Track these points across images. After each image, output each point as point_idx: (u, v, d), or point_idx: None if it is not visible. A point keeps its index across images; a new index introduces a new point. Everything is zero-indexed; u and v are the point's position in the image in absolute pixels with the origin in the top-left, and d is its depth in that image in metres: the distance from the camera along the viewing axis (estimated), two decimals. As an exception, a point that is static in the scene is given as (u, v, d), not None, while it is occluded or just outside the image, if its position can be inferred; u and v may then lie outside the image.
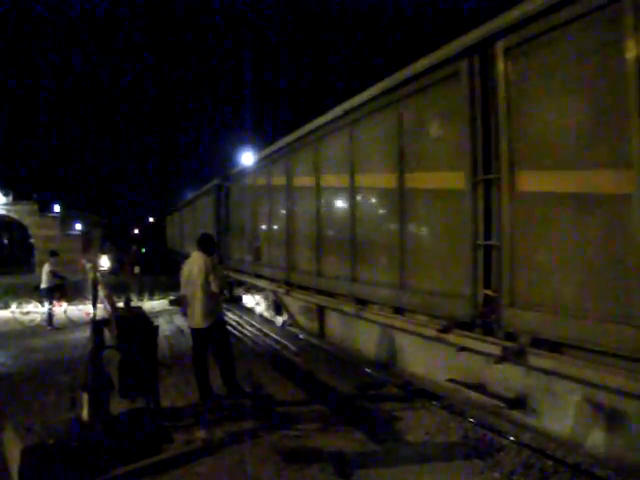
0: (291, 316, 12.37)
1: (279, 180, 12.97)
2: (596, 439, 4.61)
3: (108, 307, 8.49)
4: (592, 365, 4.53)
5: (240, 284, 17.75)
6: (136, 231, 74.99)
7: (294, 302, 11.90)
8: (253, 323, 14.10)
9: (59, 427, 6.34)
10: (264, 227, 14.49)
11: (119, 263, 34.10)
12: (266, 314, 14.61)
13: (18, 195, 36.74)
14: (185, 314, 7.89)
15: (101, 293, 13.96)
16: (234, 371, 7.69)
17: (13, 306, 17.87)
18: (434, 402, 7.08)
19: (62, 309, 16.76)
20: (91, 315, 12.72)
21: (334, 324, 9.98)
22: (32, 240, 37.32)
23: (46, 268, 15.61)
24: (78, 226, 41.71)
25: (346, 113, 9.02)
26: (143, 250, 45.66)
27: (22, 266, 39.87)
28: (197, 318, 7.57)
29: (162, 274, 28.75)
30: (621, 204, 4.41)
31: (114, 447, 5.52)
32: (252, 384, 8.09)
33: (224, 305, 11.34)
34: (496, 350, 5.40)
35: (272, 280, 13.25)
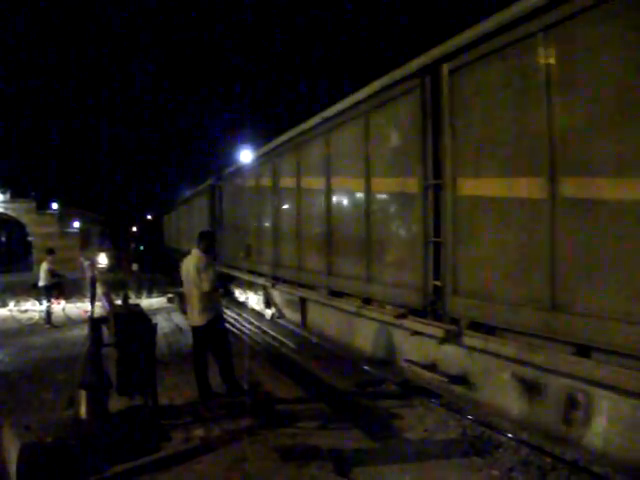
0: (278, 308, 13.51)
1: (266, 181, 14.06)
2: (521, 408, 5.49)
3: (106, 305, 8.49)
4: (516, 344, 5.42)
5: (232, 279, 18.12)
6: (134, 229, 74.88)
7: (280, 295, 13.11)
8: (251, 320, 14.17)
9: (57, 425, 6.34)
10: (254, 225, 15.37)
11: (117, 261, 34.07)
12: (257, 307, 15.38)
13: (16, 193, 36.68)
14: (185, 312, 7.89)
15: (99, 291, 13.98)
16: (233, 369, 7.67)
17: (11, 304, 17.85)
18: (433, 400, 7.08)
19: (60, 307, 16.76)
20: (89, 313, 12.76)
21: (314, 314, 11.12)
22: (30, 238, 37.30)
23: (44, 266, 15.63)
24: (76, 224, 41.66)
25: (322, 122, 10.08)
26: (141, 248, 45.60)
27: (20, 264, 39.87)
28: (194, 316, 7.56)
29: (160, 271, 28.73)
30: (535, 207, 5.31)
31: (112, 445, 5.52)
32: (250, 382, 8.08)
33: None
34: (441, 333, 6.41)
35: (261, 275, 14.28)
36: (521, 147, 5.49)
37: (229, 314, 15.15)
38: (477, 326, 6.03)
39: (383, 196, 8.34)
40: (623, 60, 4.47)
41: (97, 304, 13.68)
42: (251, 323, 13.94)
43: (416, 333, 7.01)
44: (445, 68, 6.56)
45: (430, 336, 6.70)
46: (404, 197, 7.64)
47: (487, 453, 5.48)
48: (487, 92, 6.00)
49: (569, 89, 4.95)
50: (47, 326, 14.63)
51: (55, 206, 40.62)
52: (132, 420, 6.22)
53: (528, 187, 5.39)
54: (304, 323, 11.65)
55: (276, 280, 12.90)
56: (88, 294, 15.95)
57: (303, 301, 11.53)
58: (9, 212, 36.33)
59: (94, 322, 6.36)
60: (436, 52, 6.72)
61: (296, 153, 11.65)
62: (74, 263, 27.68)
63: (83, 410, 5.84)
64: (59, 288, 16.66)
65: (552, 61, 5.06)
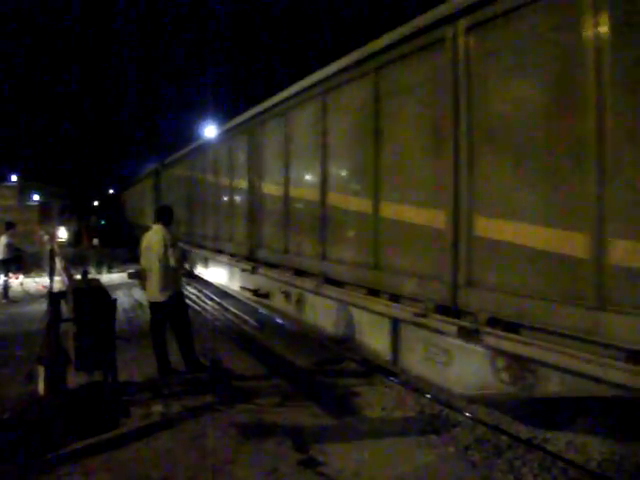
0: (194, 266, 17.64)
1: (188, 173, 18.65)
2: (286, 307, 9.55)
3: (65, 279, 8.37)
4: (281, 272, 9.48)
5: None
6: (96, 203, 73.55)
7: (195, 256, 17.35)
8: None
9: (15, 401, 6.27)
10: (182, 205, 19.00)
11: (78, 235, 33.49)
12: (187, 267, 18.76)
13: (-27, 164, 35.74)
14: (144, 287, 7.81)
15: (58, 265, 13.77)
16: (192, 345, 7.65)
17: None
18: (392, 378, 7.17)
19: (18, 281, 16.49)
20: (48, 287, 12.56)
21: (211, 267, 15.47)
22: (-13, 210, 36.41)
23: (2, 240, 15.24)
24: (36, 197, 40.81)
25: (225, 132, 14.08)
26: (102, 222, 44.83)
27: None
28: (154, 291, 7.51)
29: (121, 246, 28.34)
30: (281, 201, 9.79)
31: (71, 421, 5.48)
32: (211, 358, 8.07)
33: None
34: (250, 268, 10.80)
35: (185, 242, 17.83)
36: (278, 175, 9.88)
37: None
38: (266, 264, 10.26)
39: (236, 190, 12.80)
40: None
41: (56, 278, 13.51)
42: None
43: (243, 270, 11.47)
44: (255, 122, 11.14)
45: (247, 270, 10.99)
46: (243, 191, 12.06)
47: (444, 431, 5.60)
48: (266, 143, 10.63)
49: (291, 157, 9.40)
50: (4, 301, 14.29)
51: (14, 178, 39.71)
52: (91, 396, 6.17)
53: (281, 190, 9.63)
54: (207, 276, 16.14)
55: (192, 246, 17.16)
56: (47, 268, 15.72)
57: (206, 259, 15.81)
58: (-34, 184, 35.39)
59: (53, 297, 6.28)
60: (251, 111, 11.21)
61: (202, 157, 16.43)
62: (33, 237, 27.05)
63: (41, 386, 5.77)
64: (18, 262, 16.36)
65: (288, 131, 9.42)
